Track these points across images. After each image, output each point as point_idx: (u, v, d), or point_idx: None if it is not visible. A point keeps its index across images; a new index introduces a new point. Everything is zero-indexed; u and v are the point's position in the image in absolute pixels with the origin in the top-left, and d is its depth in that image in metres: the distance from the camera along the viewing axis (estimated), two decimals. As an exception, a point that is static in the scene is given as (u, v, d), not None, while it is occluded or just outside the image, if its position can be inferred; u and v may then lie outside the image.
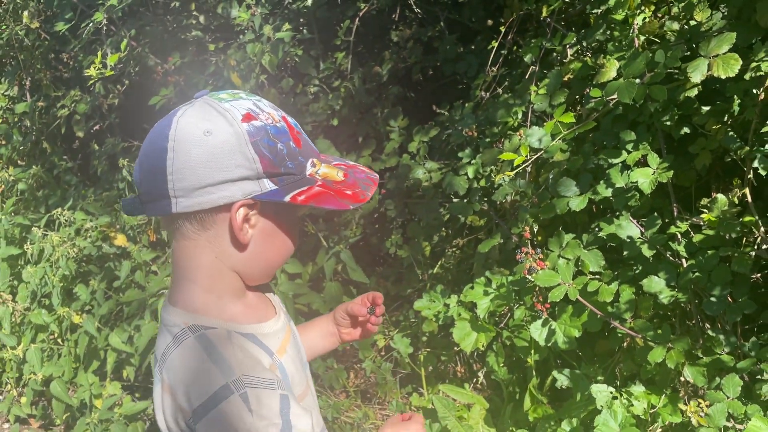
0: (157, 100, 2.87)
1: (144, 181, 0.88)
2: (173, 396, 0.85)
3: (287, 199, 0.87)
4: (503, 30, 2.45)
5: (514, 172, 1.92)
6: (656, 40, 1.86)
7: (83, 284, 2.69)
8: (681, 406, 1.52)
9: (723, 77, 1.44)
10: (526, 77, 2.40)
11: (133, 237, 2.72)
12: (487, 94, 2.72)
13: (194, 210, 0.86)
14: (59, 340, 2.68)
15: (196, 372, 0.83)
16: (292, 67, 3.37)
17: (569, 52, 2.34)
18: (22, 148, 3.79)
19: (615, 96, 1.66)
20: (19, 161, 3.88)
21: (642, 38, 1.82)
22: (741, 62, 1.44)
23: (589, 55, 2.25)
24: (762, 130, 1.45)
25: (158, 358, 0.91)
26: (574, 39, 2.23)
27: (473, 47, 3.09)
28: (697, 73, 1.49)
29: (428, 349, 2.56)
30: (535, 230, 2.11)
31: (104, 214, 2.72)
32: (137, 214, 0.93)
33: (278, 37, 2.68)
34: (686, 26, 1.81)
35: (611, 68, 1.74)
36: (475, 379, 2.46)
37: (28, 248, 2.73)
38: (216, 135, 0.84)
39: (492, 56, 2.64)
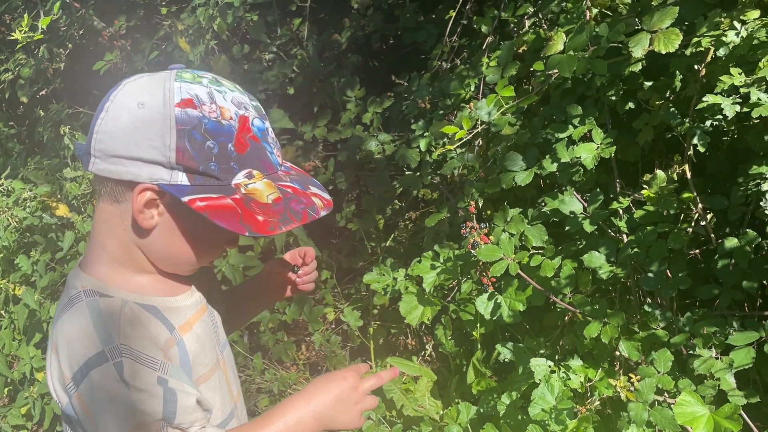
0: (102, 65, 2.76)
1: (88, 131, 0.89)
2: (58, 359, 0.83)
3: (185, 199, 0.81)
4: (462, -1, 2.39)
5: (457, 145, 1.89)
6: (609, 13, 1.82)
7: (25, 255, 2.60)
8: (612, 381, 1.54)
9: (663, 52, 1.41)
10: (482, 48, 2.36)
11: (77, 207, 2.63)
12: (447, 65, 2.67)
13: (105, 176, 0.85)
14: (1, 312, 2.61)
15: (78, 337, 0.82)
16: (248, 34, 3.27)
17: (527, 23, 2.30)
18: (-36, 112, 3.62)
19: (557, 70, 1.63)
20: (-37, 126, 3.71)
21: (594, 11, 1.78)
22: (681, 37, 1.41)
23: (545, 26, 2.21)
24: (698, 107, 1.44)
25: (54, 319, 0.90)
26: (530, 10, 2.18)
27: (434, 16, 3.03)
28: (638, 48, 1.46)
29: (378, 323, 2.55)
30: (481, 205, 2.09)
31: (45, 183, 2.62)
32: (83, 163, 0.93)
33: (227, 1, 2.58)
34: (638, -1, 1.77)
35: (558, 41, 1.71)
36: (423, 352, 2.46)
37: (-38, 217, 2.62)
38: (147, 110, 0.82)
39: (450, 26, 2.59)
